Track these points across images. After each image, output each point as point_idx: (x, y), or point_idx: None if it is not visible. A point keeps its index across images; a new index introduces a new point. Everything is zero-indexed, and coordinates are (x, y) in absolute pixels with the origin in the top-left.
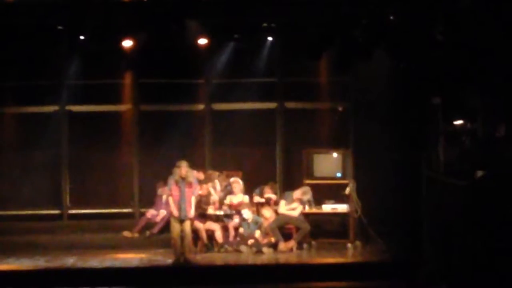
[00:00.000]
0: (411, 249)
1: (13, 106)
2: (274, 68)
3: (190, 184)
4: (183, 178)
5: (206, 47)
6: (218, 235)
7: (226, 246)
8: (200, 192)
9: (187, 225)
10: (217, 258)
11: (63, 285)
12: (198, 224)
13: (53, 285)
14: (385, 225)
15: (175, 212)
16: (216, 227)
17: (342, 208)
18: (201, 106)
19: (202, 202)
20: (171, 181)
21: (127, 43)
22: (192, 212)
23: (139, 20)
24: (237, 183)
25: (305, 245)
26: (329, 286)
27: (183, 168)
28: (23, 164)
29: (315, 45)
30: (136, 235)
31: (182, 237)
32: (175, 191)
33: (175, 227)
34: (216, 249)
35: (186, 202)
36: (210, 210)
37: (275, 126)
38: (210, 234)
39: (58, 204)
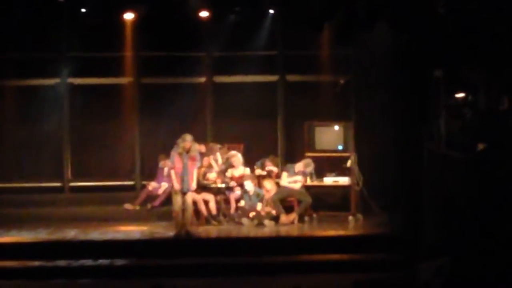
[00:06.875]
0: (412, 221)
1: (14, 78)
2: (275, 41)
3: (193, 158)
4: (187, 152)
5: (207, 19)
6: (212, 206)
7: (220, 217)
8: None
9: (188, 197)
10: (219, 230)
11: (65, 257)
12: (195, 196)
13: (54, 257)
14: (386, 198)
15: (177, 185)
16: (210, 198)
17: (344, 181)
18: (202, 79)
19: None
20: (174, 153)
21: (128, 16)
22: (194, 185)
23: None
24: (236, 156)
25: (306, 218)
26: (330, 258)
27: (188, 142)
28: (24, 137)
29: (317, 17)
30: (138, 207)
31: (184, 210)
32: (178, 164)
33: (177, 200)
34: (211, 220)
35: (189, 174)
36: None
37: (276, 99)
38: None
39: (59, 176)
